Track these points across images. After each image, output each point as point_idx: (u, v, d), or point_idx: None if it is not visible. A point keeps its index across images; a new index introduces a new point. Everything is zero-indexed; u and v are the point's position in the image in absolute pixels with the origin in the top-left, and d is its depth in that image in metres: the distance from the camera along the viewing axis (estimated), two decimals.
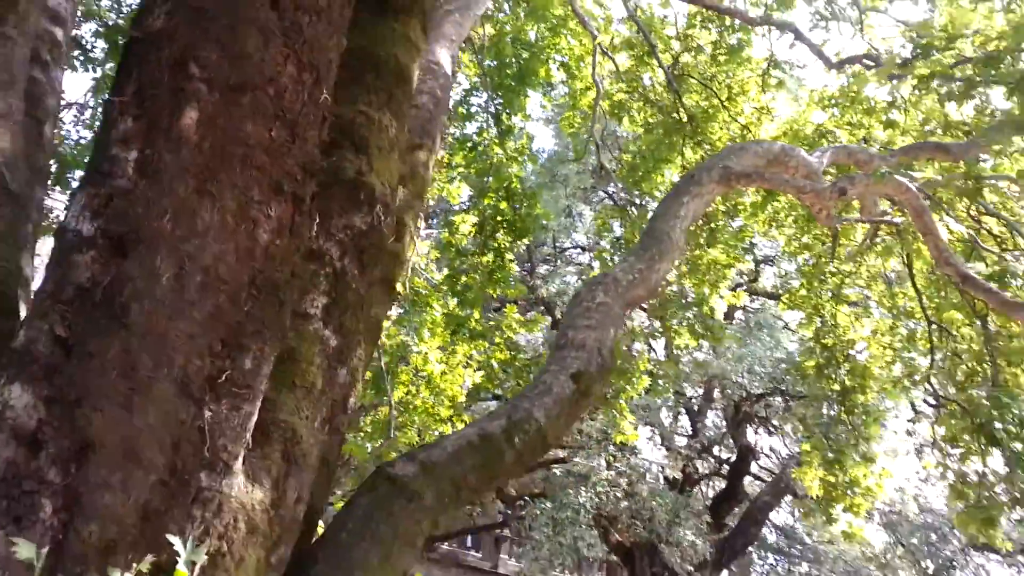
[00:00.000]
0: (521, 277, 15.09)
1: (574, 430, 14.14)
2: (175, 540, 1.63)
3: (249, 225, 1.85)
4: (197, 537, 1.72)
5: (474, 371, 9.60)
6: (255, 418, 1.92)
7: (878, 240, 8.04)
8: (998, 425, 5.91)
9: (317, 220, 2.60)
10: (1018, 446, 5.71)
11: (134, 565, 1.56)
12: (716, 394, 15.36)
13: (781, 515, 23.44)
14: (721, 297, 9.15)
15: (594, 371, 3.39)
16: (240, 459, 1.88)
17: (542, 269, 17.61)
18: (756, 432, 17.45)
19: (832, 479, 8.68)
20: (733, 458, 17.87)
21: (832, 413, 9.19)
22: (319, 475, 2.80)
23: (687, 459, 19.06)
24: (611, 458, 14.04)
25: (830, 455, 8.58)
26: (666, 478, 19.81)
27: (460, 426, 8.98)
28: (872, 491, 8.60)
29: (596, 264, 12.34)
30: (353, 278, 2.59)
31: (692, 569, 13.51)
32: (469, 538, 24.98)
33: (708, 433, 19.84)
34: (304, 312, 2.38)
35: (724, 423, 18.31)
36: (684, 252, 5.68)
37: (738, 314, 18.65)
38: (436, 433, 9.09)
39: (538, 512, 12.78)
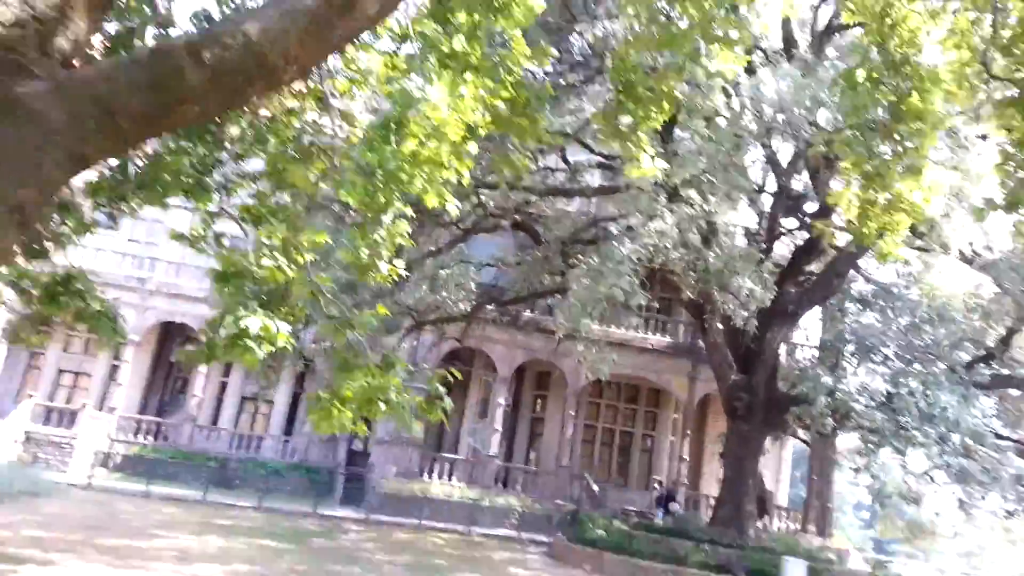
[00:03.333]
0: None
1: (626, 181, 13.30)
2: None
3: None
4: None
5: (478, 112, 8.78)
6: None
7: None
8: None
9: None
10: None
11: None
12: (782, 139, 13.80)
13: (884, 271, 22.29)
14: None
15: None
16: None
17: None
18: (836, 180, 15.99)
19: (871, 197, 7.69)
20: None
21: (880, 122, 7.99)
22: None
23: (768, 215, 17.99)
24: (668, 210, 13.20)
25: (870, 168, 7.56)
26: (747, 233, 18.94)
27: (464, 171, 8.45)
28: (917, 208, 7.58)
29: None
30: None
31: (746, 315, 12.96)
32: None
33: (796, 187, 18.56)
34: None
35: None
36: None
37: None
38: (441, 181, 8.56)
39: (583, 266, 12.35)
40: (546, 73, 16.69)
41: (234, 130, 9.06)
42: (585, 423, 28.18)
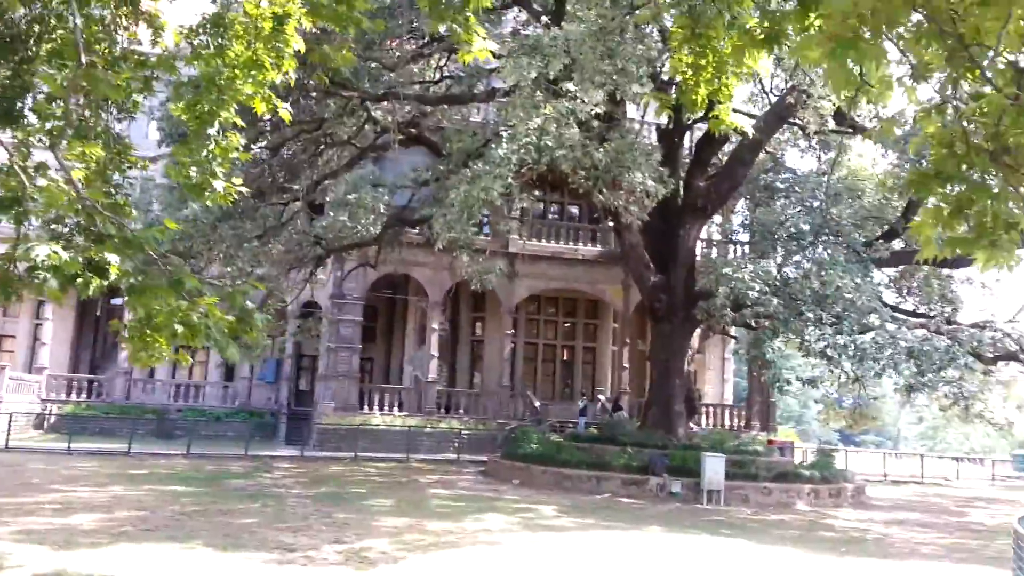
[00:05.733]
0: None
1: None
2: None
3: None
4: None
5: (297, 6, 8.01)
6: None
7: None
8: None
9: None
10: None
11: None
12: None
13: (805, 160, 21.85)
14: None
15: None
16: None
17: None
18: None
19: (698, 61, 7.11)
20: None
21: None
22: None
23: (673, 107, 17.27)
24: (545, 106, 12.51)
25: (693, 29, 6.95)
26: (659, 129, 18.35)
27: (290, 70, 7.82)
28: (745, 67, 7.04)
29: None
30: None
31: (636, 210, 12.49)
32: None
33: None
34: None
35: None
36: None
37: None
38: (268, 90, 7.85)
39: (463, 170, 11.72)
40: None
41: (46, 47, 8.24)
42: (526, 341, 28.01)
